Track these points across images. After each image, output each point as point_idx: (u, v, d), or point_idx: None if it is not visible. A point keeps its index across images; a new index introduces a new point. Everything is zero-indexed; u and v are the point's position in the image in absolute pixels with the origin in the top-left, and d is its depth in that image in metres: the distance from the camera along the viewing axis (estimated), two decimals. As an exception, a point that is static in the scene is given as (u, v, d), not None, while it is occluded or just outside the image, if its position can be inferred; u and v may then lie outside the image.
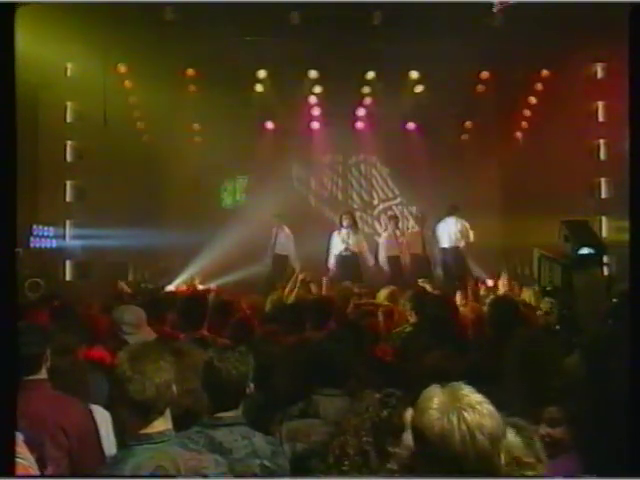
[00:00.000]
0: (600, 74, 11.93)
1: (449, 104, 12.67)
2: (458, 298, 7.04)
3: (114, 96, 11.59)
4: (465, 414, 2.02)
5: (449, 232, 11.57)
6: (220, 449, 2.81)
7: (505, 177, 13.40)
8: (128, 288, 9.02)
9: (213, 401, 2.97)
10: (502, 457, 2.13)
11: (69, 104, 11.63)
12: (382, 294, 7.14)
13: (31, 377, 3.14)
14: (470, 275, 10.11)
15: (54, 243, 11.40)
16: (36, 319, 5.06)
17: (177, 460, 2.45)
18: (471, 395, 2.09)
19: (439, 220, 11.90)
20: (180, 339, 4.91)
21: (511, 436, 2.29)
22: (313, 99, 13.20)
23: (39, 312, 5.65)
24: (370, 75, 12.54)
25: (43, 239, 11.16)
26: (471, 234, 11.52)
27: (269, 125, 13.59)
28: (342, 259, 11.25)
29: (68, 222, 11.67)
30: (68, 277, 11.56)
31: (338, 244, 11.35)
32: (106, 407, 3.42)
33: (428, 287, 7.58)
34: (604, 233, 11.41)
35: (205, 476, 2.48)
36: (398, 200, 14.52)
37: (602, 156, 12.05)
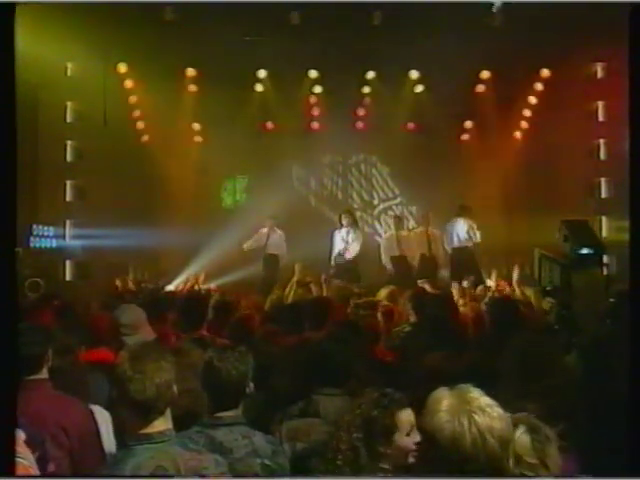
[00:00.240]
0: (600, 74, 11.94)
1: (449, 104, 12.66)
2: (460, 298, 7.03)
3: (114, 96, 11.60)
4: (475, 417, 2.03)
5: (458, 232, 11.52)
6: (220, 449, 2.81)
7: (505, 177, 13.38)
8: (132, 285, 9.01)
9: (213, 401, 2.97)
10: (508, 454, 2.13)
11: (69, 104, 11.65)
12: (382, 294, 7.14)
13: (32, 377, 3.15)
14: (480, 275, 10.08)
15: (54, 243, 11.41)
16: (37, 319, 5.06)
17: (177, 460, 2.45)
18: (480, 398, 2.10)
19: (447, 220, 11.85)
20: (180, 339, 4.91)
21: (519, 432, 2.28)
22: (313, 99, 13.20)
23: (40, 312, 5.65)
24: (370, 75, 12.53)
25: (43, 239, 11.16)
26: (479, 235, 11.49)
27: (269, 125, 13.59)
28: (341, 258, 11.23)
29: (68, 222, 11.68)
30: (68, 277, 11.57)
31: (338, 243, 11.34)
32: (106, 407, 3.42)
33: (428, 287, 7.56)
34: (604, 233, 11.42)
35: (205, 476, 2.48)
36: (398, 200, 14.51)
37: (602, 156, 12.06)
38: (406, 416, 2.75)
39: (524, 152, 12.95)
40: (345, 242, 11.25)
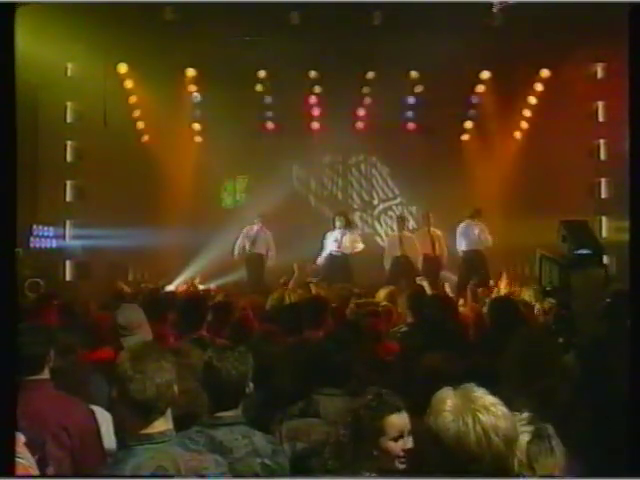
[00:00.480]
0: (600, 74, 11.94)
1: (449, 104, 12.66)
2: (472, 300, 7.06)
3: (114, 96, 11.59)
4: (480, 416, 2.03)
5: (469, 235, 11.49)
6: (220, 448, 2.81)
7: (505, 177, 13.39)
8: (127, 287, 9.00)
9: (213, 401, 2.97)
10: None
11: (69, 104, 11.64)
12: (381, 294, 7.14)
13: (34, 377, 3.15)
14: (488, 277, 10.07)
15: (54, 243, 11.41)
16: (37, 319, 5.07)
17: (178, 460, 2.45)
18: (484, 397, 2.10)
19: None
20: (179, 339, 4.92)
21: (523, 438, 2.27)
22: (313, 99, 13.20)
23: (40, 312, 5.65)
24: (370, 75, 12.53)
25: (43, 239, 11.16)
26: (490, 238, 11.48)
27: (269, 125, 13.60)
28: (332, 259, 11.20)
29: (68, 222, 11.67)
30: (68, 277, 11.57)
31: (330, 244, 11.31)
32: (107, 407, 3.42)
33: (426, 286, 7.55)
34: (604, 233, 11.42)
35: (205, 476, 2.48)
36: (398, 200, 14.53)
37: (602, 156, 12.06)
38: (397, 420, 2.73)
39: (524, 152, 12.95)
40: (338, 243, 11.22)
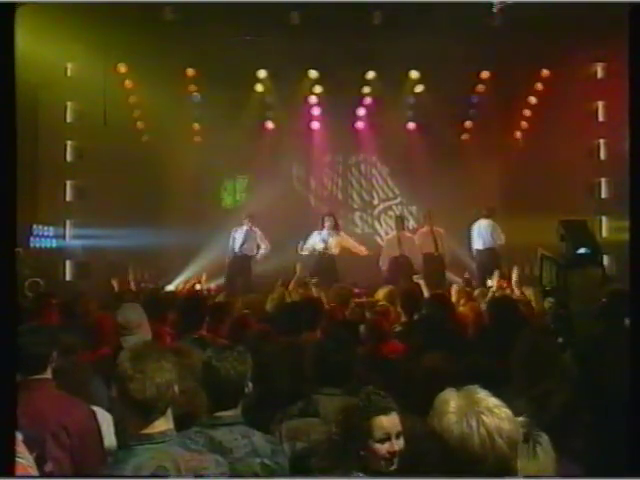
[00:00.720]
0: (600, 74, 11.94)
1: (449, 104, 12.66)
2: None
3: (114, 96, 11.59)
4: (484, 418, 2.03)
5: (483, 234, 11.49)
6: (220, 448, 2.81)
7: (505, 177, 13.40)
8: (117, 286, 8.91)
9: (212, 401, 2.97)
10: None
11: (69, 104, 11.64)
12: (380, 294, 7.14)
13: (36, 376, 3.16)
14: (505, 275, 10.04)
15: (54, 243, 11.41)
16: (37, 319, 5.07)
17: (178, 460, 2.45)
18: (488, 399, 2.10)
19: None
20: (179, 339, 4.92)
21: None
22: (313, 99, 13.20)
23: (40, 312, 5.65)
24: (370, 75, 12.53)
25: (43, 239, 11.16)
26: (503, 237, 11.49)
27: (269, 125, 13.60)
28: (319, 260, 11.10)
29: (68, 222, 11.68)
30: (68, 277, 11.57)
31: (317, 243, 11.28)
32: (108, 407, 3.43)
33: (422, 285, 7.52)
34: (604, 233, 11.42)
35: (205, 476, 2.48)
36: (398, 200, 14.52)
37: (602, 156, 12.06)
38: (385, 422, 2.73)
39: (524, 152, 12.95)
40: (324, 243, 11.20)
